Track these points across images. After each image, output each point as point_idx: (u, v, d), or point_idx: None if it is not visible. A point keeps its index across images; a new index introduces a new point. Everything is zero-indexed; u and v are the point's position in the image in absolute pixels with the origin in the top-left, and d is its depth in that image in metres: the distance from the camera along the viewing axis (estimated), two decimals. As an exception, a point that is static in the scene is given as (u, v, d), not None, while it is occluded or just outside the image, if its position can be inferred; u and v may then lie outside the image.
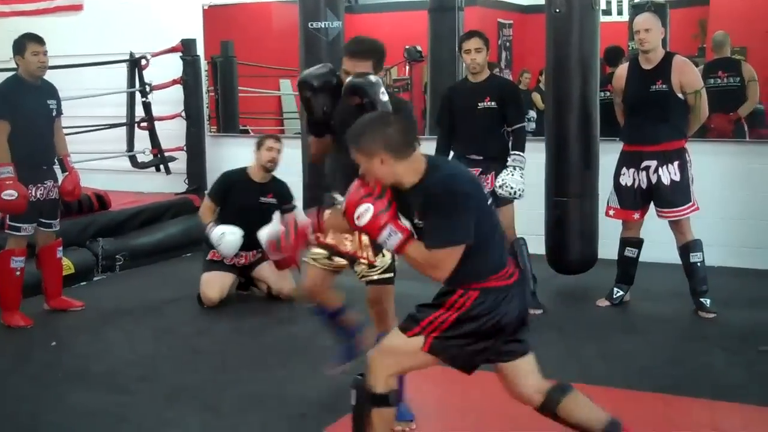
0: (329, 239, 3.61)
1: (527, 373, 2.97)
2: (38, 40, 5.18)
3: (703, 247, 5.14)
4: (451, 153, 5.17)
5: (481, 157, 5.07)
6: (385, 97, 3.39)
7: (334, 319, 3.94)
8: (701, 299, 5.15)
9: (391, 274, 3.64)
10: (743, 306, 5.38)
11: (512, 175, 4.98)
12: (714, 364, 4.39)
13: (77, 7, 8.70)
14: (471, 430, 3.66)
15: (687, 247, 5.14)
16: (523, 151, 5.05)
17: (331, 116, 3.62)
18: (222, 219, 5.68)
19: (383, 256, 3.60)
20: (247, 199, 5.67)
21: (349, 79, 3.49)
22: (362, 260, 3.60)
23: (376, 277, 3.61)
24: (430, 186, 2.81)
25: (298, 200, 5.84)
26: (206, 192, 5.92)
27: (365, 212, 2.82)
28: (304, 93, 3.64)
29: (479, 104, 5.07)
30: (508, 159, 5.02)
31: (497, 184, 5.00)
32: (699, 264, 5.13)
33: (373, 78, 3.44)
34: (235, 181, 5.80)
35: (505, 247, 2.98)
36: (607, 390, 3.86)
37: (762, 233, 6.29)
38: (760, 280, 6.04)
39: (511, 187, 4.96)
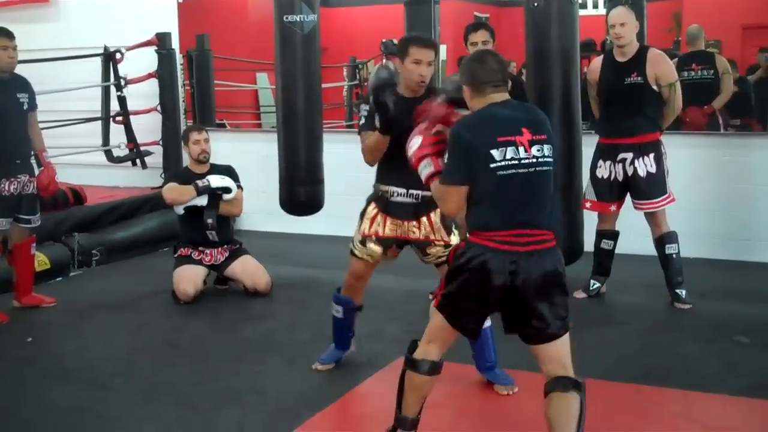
0: (396, 231, 3.75)
1: (546, 358, 2.98)
2: (8, 34, 5.09)
3: (678, 239, 5.18)
4: None
5: None
6: None
7: (351, 314, 4.06)
8: (677, 290, 5.18)
9: None
10: (718, 297, 5.43)
11: None
12: (689, 355, 4.43)
13: None
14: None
15: (662, 239, 5.17)
16: None
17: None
18: (180, 220, 5.78)
19: (455, 235, 3.72)
20: None
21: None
22: (437, 242, 3.72)
23: None
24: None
25: (275, 195, 5.82)
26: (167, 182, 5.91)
27: (415, 142, 3.09)
28: (381, 94, 3.65)
29: None
30: None
31: None
32: (674, 255, 5.17)
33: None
34: (180, 178, 5.77)
35: (516, 212, 2.87)
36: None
37: (736, 224, 6.34)
38: (735, 271, 6.09)
39: None
